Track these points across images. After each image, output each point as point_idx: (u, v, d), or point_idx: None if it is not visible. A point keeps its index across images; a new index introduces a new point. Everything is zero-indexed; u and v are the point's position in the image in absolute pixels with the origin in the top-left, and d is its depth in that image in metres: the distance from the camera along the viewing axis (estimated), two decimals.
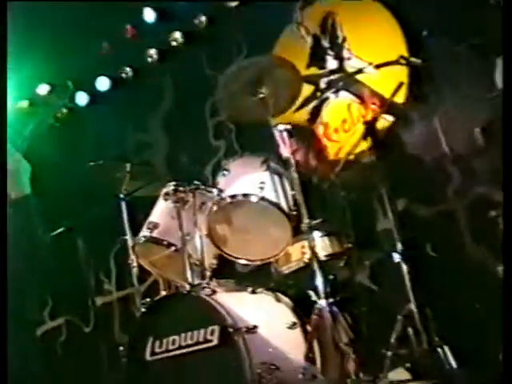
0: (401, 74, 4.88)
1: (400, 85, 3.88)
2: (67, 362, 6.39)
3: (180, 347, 3.77)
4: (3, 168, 4.42)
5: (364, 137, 3.68)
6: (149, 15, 6.17)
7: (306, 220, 3.69)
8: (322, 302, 3.62)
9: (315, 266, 3.65)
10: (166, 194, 4.21)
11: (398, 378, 3.69)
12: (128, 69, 6.44)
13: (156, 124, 6.36)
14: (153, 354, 3.88)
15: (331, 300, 3.62)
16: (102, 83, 6.52)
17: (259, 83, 3.95)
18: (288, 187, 3.92)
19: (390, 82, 4.54)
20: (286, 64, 4.02)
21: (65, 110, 6.69)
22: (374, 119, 3.72)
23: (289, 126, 3.84)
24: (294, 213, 3.85)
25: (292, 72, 4.02)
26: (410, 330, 3.65)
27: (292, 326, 3.85)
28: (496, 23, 4.54)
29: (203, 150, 5.81)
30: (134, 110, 6.50)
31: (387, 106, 4.85)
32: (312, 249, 3.68)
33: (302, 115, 5.39)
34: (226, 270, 4.42)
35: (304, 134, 4.74)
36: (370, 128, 3.64)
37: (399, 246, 3.72)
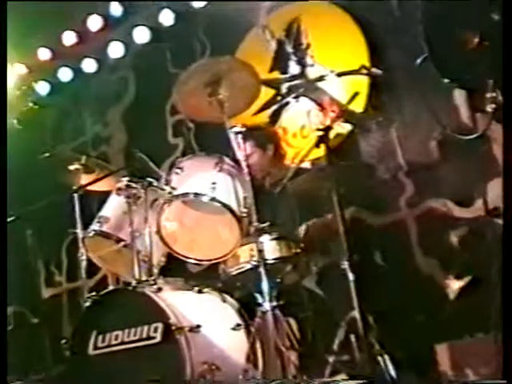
0: (361, 82, 4.94)
1: (355, 94, 3.91)
2: (13, 353, 6.31)
3: (122, 343, 3.76)
4: (3, 168, 4.38)
5: (317, 144, 3.69)
6: (115, 9, 6.15)
7: (255, 223, 3.70)
8: (266, 305, 3.63)
9: (261, 268, 3.66)
10: (119, 188, 4.19)
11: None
12: (92, 61, 6.41)
13: (116, 118, 6.35)
14: (95, 348, 3.86)
15: (275, 303, 3.63)
16: (64, 74, 6.48)
17: (217, 84, 3.95)
18: (240, 189, 3.92)
19: (351, 90, 4.57)
20: (246, 67, 4.03)
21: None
22: (328, 127, 3.73)
23: (244, 129, 3.83)
24: (244, 215, 3.85)
25: (251, 75, 4.02)
26: (353, 337, 3.66)
27: (236, 328, 3.86)
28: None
29: (161, 147, 5.81)
30: (95, 103, 6.48)
31: (345, 114, 4.91)
32: (260, 251, 3.69)
33: (262, 118, 5.43)
34: (176, 269, 4.42)
35: (264, 135, 4.74)
36: (323, 135, 3.65)
37: (347, 254, 3.72)
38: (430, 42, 3.76)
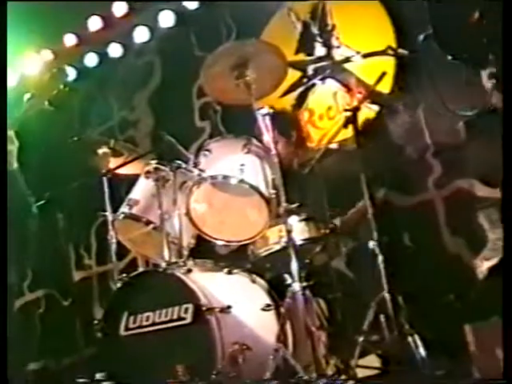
0: (388, 64, 4.91)
1: (383, 74, 3.89)
2: (45, 335, 6.41)
3: (154, 324, 3.80)
4: (3, 170, 4.43)
5: (345, 125, 3.69)
6: None
7: (283, 204, 3.71)
8: (296, 286, 3.64)
9: (291, 249, 3.68)
10: (148, 172, 4.22)
11: (368, 364, 3.73)
12: (118, 46, 6.43)
13: (142, 102, 6.38)
14: (127, 329, 3.91)
15: (305, 284, 3.65)
16: (91, 59, 6.51)
17: (244, 66, 3.96)
18: (268, 171, 3.93)
19: (377, 71, 4.54)
20: (273, 49, 4.03)
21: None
22: (356, 108, 3.73)
23: (271, 111, 3.84)
24: (273, 196, 3.86)
25: (277, 57, 4.02)
26: (382, 318, 3.67)
27: (266, 308, 3.88)
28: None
29: (188, 130, 5.83)
30: (121, 88, 6.50)
31: (372, 96, 4.90)
32: (288, 232, 3.70)
33: (288, 101, 5.42)
34: (205, 251, 4.45)
35: (288, 120, 4.74)
36: (351, 116, 3.65)
37: (375, 235, 3.74)
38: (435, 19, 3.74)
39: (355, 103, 4.62)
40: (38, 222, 6.29)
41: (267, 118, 3.84)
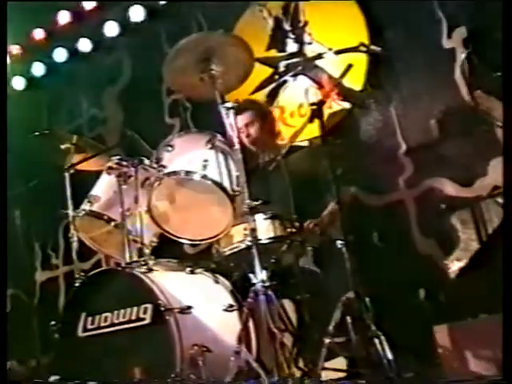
0: (360, 60, 4.83)
1: (349, 66, 3.79)
2: (11, 336, 6.25)
3: (112, 324, 3.67)
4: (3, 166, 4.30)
5: (310, 119, 3.58)
6: None
7: (247, 201, 3.59)
8: (258, 285, 3.53)
9: (254, 248, 3.56)
10: (110, 167, 4.08)
11: (336, 367, 3.62)
12: (87, 41, 6.31)
13: (111, 99, 6.26)
14: (85, 330, 3.78)
15: (267, 284, 3.53)
16: (60, 54, 6.39)
17: (208, 60, 3.83)
18: (233, 167, 3.81)
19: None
20: (237, 42, 3.90)
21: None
22: (322, 102, 3.62)
23: (235, 104, 3.71)
24: (237, 193, 3.74)
25: (243, 50, 3.89)
26: (349, 319, 3.57)
27: (228, 309, 3.76)
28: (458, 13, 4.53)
29: (158, 127, 5.71)
30: (91, 84, 6.38)
31: (342, 91, 4.82)
32: (252, 230, 3.58)
33: (259, 97, 5.32)
34: (172, 250, 4.33)
35: (261, 109, 4.65)
36: (316, 110, 3.54)
37: (344, 234, 3.62)
38: None
39: (320, 97, 4.57)
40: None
41: (231, 111, 3.70)
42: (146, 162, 3.98)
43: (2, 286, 4.19)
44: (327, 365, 3.52)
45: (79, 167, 4.45)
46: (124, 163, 4.01)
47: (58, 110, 6.49)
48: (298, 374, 3.53)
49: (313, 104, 3.61)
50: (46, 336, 5.18)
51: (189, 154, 3.85)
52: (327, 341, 3.51)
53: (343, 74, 3.82)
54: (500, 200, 4.25)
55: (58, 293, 6.10)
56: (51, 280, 6.27)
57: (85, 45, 6.31)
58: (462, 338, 3.70)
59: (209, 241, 3.92)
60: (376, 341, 3.41)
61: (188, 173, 3.77)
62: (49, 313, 5.76)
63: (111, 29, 6.14)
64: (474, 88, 4.49)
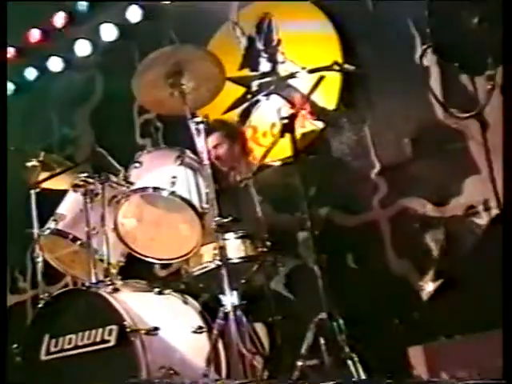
0: (334, 79, 4.78)
1: (320, 79, 3.73)
2: None
3: (76, 347, 3.55)
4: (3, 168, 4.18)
5: (281, 133, 3.50)
6: (81, 5, 5.98)
7: (216, 218, 3.49)
8: (228, 306, 3.42)
9: (223, 268, 3.46)
10: (76, 185, 3.97)
11: None
12: (58, 59, 6.21)
13: (83, 118, 6.16)
14: (48, 353, 3.65)
15: (237, 304, 3.43)
16: (30, 73, 6.29)
17: (179, 74, 3.75)
18: (202, 184, 3.71)
19: (323, 87, 4.38)
20: (208, 56, 3.83)
21: None
22: (293, 115, 3.55)
23: (205, 120, 3.63)
24: (206, 211, 3.64)
25: (214, 65, 3.82)
26: (322, 341, 3.48)
27: (197, 331, 3.65)
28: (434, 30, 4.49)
29: (129, 148, 5.60)
30: (61, 103, 6.28)
31: (316, 111, 4.77)
32: (221, 249, 3.48)
33: (232, 117, 5.25)
34: (142, 271, 4.22)
35: (231, 129, 4.59)
36: (287, 124, 3.47)
37: (316, 255, 3.53)
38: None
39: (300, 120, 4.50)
40: None
41: (201, 127, 3.61)
42: (114, 178, 3.89)
43: (2, 286, 4.03)
44: None
45: (47, 185, 4.32)
46: (91, 180, 3.91)
47: (28, 129, 6.35)
48: None
49: (284, 118, 3.52)
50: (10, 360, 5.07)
51: (157, 171, 3.76)
52: (299, 363, 3.42)
53: (315, 86, 3.76)
54: (475, 219, 4.20)
55: (26, 318, 5.91)
56: (18, 304, 6.09)
57: (55, 63, 6.20)
58: (437, 359, 3.61)
59: (177, 260, 3.82)
60: (349, 363, 3.32)
61: (156, 189, 3.67)
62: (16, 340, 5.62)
63: (82, 47, 6.04)
64: (448, 106, 4.44)
